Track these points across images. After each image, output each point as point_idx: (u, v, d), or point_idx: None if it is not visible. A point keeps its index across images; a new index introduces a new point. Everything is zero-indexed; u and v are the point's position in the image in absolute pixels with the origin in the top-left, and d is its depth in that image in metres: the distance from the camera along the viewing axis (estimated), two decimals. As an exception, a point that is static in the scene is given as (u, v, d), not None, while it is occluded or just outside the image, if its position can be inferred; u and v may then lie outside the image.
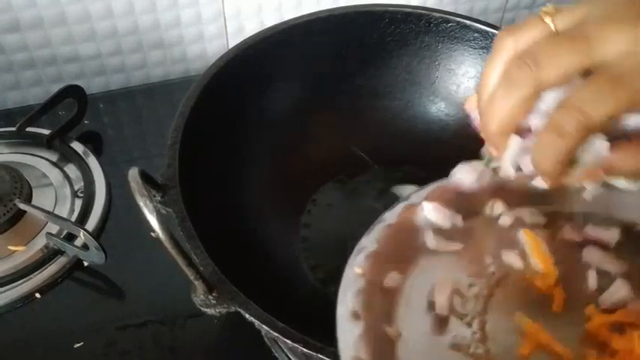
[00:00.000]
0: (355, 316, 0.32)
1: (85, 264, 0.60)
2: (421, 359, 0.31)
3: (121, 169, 0.69)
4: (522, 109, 0.34)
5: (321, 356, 0.36)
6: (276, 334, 0.37)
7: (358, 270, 0.34)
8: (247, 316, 0.38)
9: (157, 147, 0.71)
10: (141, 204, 0.34)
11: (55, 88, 0.71)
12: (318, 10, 0.58)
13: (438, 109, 0.62)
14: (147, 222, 0.60)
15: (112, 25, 0.74)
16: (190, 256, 0.38)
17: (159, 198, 0.42)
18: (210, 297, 0.38)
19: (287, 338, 0.37)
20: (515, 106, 0.34)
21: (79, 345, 0.54)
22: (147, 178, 0.38)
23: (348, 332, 0.31)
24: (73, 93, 0.71)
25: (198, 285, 0.37)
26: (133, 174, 0.35)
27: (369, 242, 0.36)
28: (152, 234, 0.61)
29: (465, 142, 0.61)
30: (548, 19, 0.34)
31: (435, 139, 0.61)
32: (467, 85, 0.61)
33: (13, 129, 0.68)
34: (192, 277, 0.37)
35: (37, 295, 0.57)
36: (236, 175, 0.54)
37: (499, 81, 0.35)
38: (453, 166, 0.43)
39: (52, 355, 0.53)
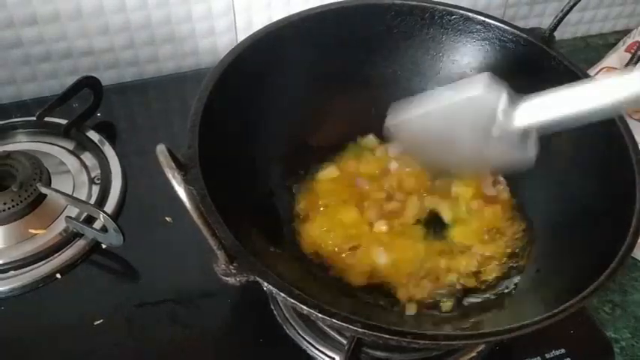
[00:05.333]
0: None
1: (103, 247, 0.62)
2: None
3: (135, 158, 0.71)
4: None
5: (335, 321, 0.39)
6: (292, 301, 0.40)
7: None
8: (265, 284, 0.40)
9: (170, 137, 0.73)
10: (169, 176, 0.36)
11: (70, 81, 0.73)
12: (328, 3, 0.60)
13: (442, 98, 0.65)
14: (162, 207, 0.64)
15: (125, 19, 0.76)
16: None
17: (181, 177, 0.44)
18: (231, 267, 0.40)
19: (303, 305, 0.39)
20: None
21: (99, 322, 0.56)
22: (171, 156, 0.40)
23: None
24: (89, 84, 0.73)
25: (220, 255, 0.39)
26: (161, 149, 0.38)
27: None
28: (167, 218, 0.65)
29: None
30: None
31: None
32: (469, 75, 0.63)
33: (32, 118, 0.71)
34: (215, 247, 0.39)
35: (58, 275, 0.59)
36: (249, 155, 0.56)
37: None
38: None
39: (74, 331, 0.56)
